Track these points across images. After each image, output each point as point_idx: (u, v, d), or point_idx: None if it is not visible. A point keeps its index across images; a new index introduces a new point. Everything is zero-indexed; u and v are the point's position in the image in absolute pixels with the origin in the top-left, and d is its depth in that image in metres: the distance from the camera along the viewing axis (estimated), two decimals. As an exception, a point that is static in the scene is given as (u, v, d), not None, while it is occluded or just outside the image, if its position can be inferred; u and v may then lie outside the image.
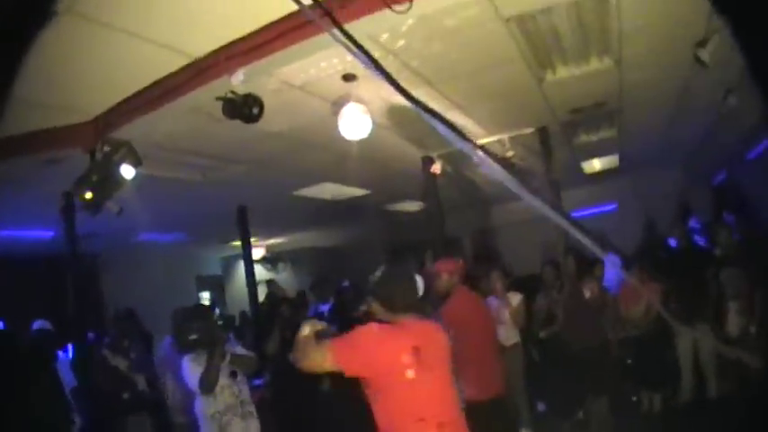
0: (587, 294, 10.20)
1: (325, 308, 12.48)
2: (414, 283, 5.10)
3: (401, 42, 5.92)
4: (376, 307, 5.06)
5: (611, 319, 10.48)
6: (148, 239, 14.57)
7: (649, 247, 13.00)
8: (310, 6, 3.43)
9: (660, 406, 10.72)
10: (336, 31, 3.08)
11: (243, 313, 15.33)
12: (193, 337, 7.28)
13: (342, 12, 4.51)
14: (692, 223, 13.78)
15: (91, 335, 10.43)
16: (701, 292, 9.98)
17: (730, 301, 9.22)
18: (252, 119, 6.04)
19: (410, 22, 5.06)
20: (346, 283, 13.01)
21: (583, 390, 9.99)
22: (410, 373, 4.64)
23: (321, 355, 4.66)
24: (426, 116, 2.80)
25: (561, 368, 10.11)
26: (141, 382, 10.05)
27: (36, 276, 13.05)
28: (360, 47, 2.92)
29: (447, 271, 8.14)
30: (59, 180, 7.70)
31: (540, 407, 11.24)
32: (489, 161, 2.81)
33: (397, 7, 4.52)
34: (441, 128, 2.81)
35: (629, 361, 10.69)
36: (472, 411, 7.22)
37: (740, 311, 9.10)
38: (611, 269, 12.16)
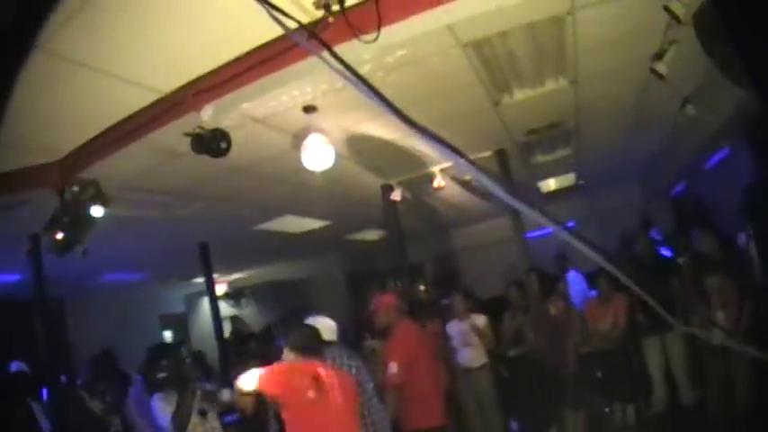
0: (553, 311, 10.23)
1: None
2: (314, 331, 6.31)
3: (364, 71, 5.98)
4: (287, 354, 5.98)
5: (580, 334, 10.50)
6: (111, 280, 14.44)
7: (622, 260, 13.06)
8: (295, 30, 3.50)
9: (634, 417, 10.77)
10: (324, 54, 3.14)
11: (199, 353, 15.10)
12: (162, 375, 7.24)
13: (307, 42, 4.58)
14: (654, 235, 13.85)
15: (62, 378, 10.33)
16: (667, 302, 10.05)
17: (718, 309, 9.23)
18: (220, 153, 6.03)
19: (373, 52, 5.10)
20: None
21: (555, 406, 10.04)
22: (310, 393, 5.51)
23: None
24: (420, 135, 2.87)
25: (532, 386, 10.15)
26: (117, 424, 9.94)
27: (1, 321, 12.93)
28: (350, 69, 2.98)
29: (384, 307, 8.35)
30: (18, 224, 7.68)
31: (514, 426, 11.27)
32: (485, 177, 2.87)
33: (365, 37, 4.57)
34: (435, 146, 2.88)
35: (599, 374, 10.72)
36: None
37: (727, 319, 9.13)
38: (575, 285, 12.26)
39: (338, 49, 4.60)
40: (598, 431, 10.23)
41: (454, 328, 10.56)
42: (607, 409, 10.92)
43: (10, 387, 9.01)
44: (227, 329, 15.10)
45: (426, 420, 8.06)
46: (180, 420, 6.79)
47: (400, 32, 4.87)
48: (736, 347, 8.70)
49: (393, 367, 7.78)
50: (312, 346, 6.10)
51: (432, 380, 8.37)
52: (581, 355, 10.33)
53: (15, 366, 9.39)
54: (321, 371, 5.77)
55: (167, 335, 19.61)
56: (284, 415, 5.88)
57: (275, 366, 5.92)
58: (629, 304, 10.38)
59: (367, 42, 4.58)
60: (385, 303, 8.38)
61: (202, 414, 7.11)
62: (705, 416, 9.66)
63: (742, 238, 9.95)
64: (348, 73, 3.02)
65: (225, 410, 7.78)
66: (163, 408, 7.02)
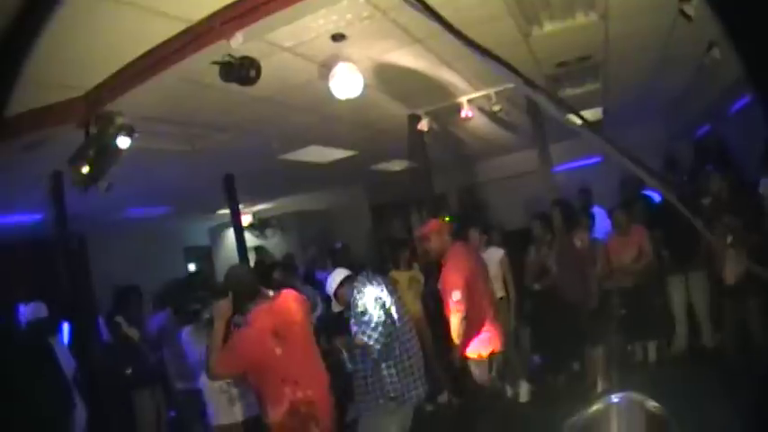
0: (578, 245, 10.21)
1: (322, 275, 12.47)
2: (247, 272, 6.95)
3: (393, 2, 5.93)
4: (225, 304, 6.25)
5: (603, 269, 10.47)
6: (134, 215, 14.54)
7: (629, 199, 13.04)
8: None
9: (655, 355, 10.77)
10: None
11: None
12: (196, 307, 7.19)
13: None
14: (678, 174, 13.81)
15: (88, 315, 10.36)
16: (691, 241, 10.02)
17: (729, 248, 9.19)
18: (249, 81, 5.98)
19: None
20: (338, 244, 13.06)
21: (578, 342, 10.05)
22: (278, 351, 6.09)
23: (213, 364, 6.09)
24: (481, 57, 2.86)
25: (556, 321, 10.16)
26: (151, 354, 10.04)
27: (22, 261, 12.98)
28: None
29: (435, 231, 8.29)
30: (39, 163, 7.71)
31: (535, 360, 11.32)
32: (546, 102, 2.89)
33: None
34: (497, 69, 2.88)
35: (623, 311, 10.71)
36: (477, 365, 8.00)
37: (738, 258, 9.09)
38: (599, 220, 12.22)
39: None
40: (619, 368, 10.23)
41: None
42: (629, 347, 10.94)
43: (31, 337, 8.95)
44: (252, 260, 15.17)
45: (487, 346, 8.11)
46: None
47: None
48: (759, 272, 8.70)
49: (456, 294, 7.77)
50: (250, 292, 6.45)
51: (489, 303, 8.38)
52: (604, 291, 10.32)
53: (33, 308, 9.29)
54: (276, 317, 6.32)
55: (192, 267, 19.74)
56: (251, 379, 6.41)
57: (234, 343, 6.15)
58: (650, 234, 10.37)
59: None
60: (435, 228, 8.39)
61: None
62: (726, 357, 9.66)
63: (765, 184, 9.88)
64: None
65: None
66: (195, 341, 6.99)
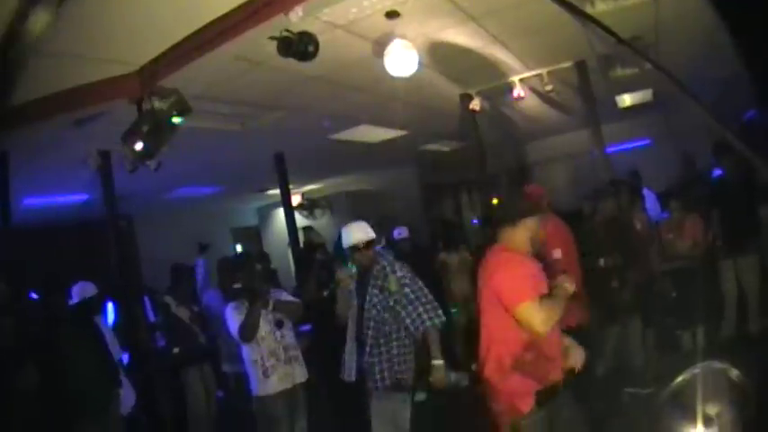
0: (637, 226, 10.10)
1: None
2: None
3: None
4: None
5: (658, 252, 10.37)
6: (182, 194, 14.69)
7: (690, 180, 12.86)
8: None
9: (704, 339, 10.65)
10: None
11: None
12: (237, 285, 7.46)
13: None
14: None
15: (138, 295, 10.42)
16: (745, 225, 9.92)
17: None
18: (308, 56, 5.97)
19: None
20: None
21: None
22: None
23: None
24: (580, 20, 2.84)
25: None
26: (200, 333, 10.13)
27: (70, 242, 13.09)
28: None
29: (535, 197, 7.56)
30: (87, 141, 7.85)
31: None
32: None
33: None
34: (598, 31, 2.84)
35: (674, 294, 10.59)
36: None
37: None
38: (648, 203, 12.11)
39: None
40: (665, 352, 10.11)
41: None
42: (678, 331, 10.83)
43: (76, 315, 9.00)
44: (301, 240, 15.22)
45: (576, 317, 7.45)
46: (247, 329, 7.17)
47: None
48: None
49: (557, 252, 7.70)
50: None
51: (578, 277, 7.84)
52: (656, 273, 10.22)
53: (80, 287, 9.32)
54: None
55: (239, 248, 19.83)
56: None
57: None
58: (704, 224, 10.25)
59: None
60: (535, 194, 7.85)
61: (279, 325, 7.43)
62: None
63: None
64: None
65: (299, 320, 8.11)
66: (235, 316, 7.30)
